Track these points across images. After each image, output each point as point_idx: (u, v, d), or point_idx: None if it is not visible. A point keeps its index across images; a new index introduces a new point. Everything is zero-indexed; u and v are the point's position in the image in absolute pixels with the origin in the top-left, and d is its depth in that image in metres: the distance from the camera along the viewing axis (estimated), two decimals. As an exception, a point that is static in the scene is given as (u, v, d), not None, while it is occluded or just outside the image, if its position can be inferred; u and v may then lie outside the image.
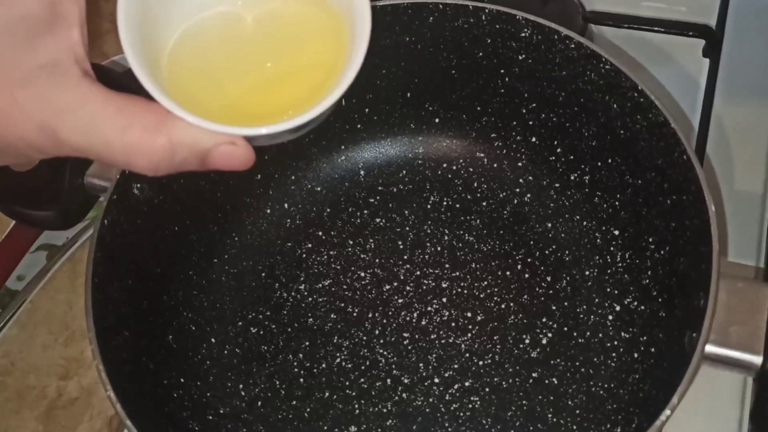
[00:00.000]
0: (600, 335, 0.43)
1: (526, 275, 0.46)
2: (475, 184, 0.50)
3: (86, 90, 0.24)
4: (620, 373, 0.42)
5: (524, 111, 0.47)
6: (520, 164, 0.49)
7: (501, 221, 0.48)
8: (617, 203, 0.45)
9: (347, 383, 0.44)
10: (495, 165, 0.50)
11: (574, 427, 0.41)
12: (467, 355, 0.44)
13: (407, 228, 0.49)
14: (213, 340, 0.45)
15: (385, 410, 0.43)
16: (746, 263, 0.46)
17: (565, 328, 0.44)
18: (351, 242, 0.48)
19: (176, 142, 0.25)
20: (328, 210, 0.50)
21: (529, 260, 0.47)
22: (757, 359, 0.33)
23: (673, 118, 0.39)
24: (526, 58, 0.45)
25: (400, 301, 0.46)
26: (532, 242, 0.47)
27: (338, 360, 0.44)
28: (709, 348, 0.33)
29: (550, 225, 0.48)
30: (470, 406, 0.42)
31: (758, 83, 0.55)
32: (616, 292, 0.44)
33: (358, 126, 0.50)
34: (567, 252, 0.47)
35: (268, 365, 0.45)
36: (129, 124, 0.25)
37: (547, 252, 0.47)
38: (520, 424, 0.41)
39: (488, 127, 0.49)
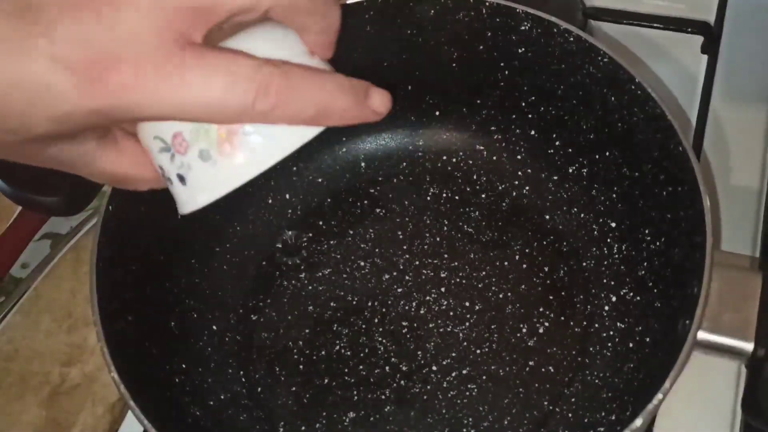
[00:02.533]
0: (596, 325, 0.44)
1: (524, 266, 0.47)
2: (475, 177, 0.50)
3: None
4: (616, 362, 0.42)
5: (523, 104, 0.48)
6: (519, 157, 0.50)
7: (500, 213, 0.49)
8: (614, 195, 0.46)
9: (346, 370, 0.44)
10: (494, 157, 0.51)
11: (570, 414, 0.42)
12: (465, 343, 0.44)
13: (407, 219, 0.49)
14: (214, 327, 0.46)
15: (383, 397, 0.43)
16: (740, 253, 0.46)
17: (562, 318, 0.44)
18: (351, 232, 0.49)
19: None
20: (329, 200, 0.51)
21: (527, 251, 0.47)
22: (749, 346, 0.33)
23: (669, 110, 0.40)
24: (525, 51, 0.45)
25: (399, 290, 0.47)
26: (530, 233, 0.48)
27: (337, 347, 0.45)
28: (702, 335, 0.33)
29: (548, 217, 0.48)
30: (467, 393, 0.43)
31: (756, 80, 0.55)
32: (612, 282, 0.45)
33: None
34: (565, 243, 0.47)
35: (268, 352, 0.45)
36: None
37: (544, 243, 0.47)
38: (516, 412, 0.42)
39: (488, 120, 0.50)
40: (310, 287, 0.47)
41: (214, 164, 0.25)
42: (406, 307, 0.46)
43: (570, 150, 0.48)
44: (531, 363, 0.43)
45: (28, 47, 0.21)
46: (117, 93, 0.22)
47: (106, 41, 0.22)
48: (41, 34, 0.21)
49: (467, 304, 0.46)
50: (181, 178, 0.27)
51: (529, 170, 0.50)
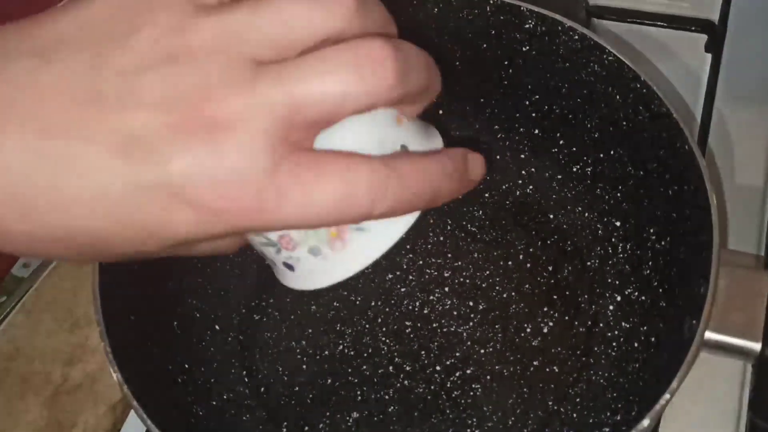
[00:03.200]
0: (601, 325, 0.44)
1: (528, 265, 0.46)
2: (478, 176, 0.50)
3: None
4: (621, 362, 0.42)
5: (527, 102, 0.48)
6: (522, 156, 0.50)
7: (503, 212, 0.49)
8: (619, 194, 0.45)
9: (350, 370, 0.44)
10: (498, 156, 0.50)
11: (574, 415, 0.42)
12: (469, 343, 0.44)
13: (410, 218, 0.49)
14: (217, 326, 0.46)
15: (387, 397, 0.43)
16: (746, 251, 0.46)
17: (567, 318, 0.44)
18: (354, 231, 0.49)
19: None
20: (332, 200, 0.50)
21: (531, 250, 0.47)
22: (756, 346, 0.33)
23: (675, 110, 0.39)
24: (529, 49, 0.45)
25: (402, 290, 0.46)
26: (534, 233, 0.48)
27: (341, 347, 0.45)
28: (709, 335, 0.33)
29: (552, 216, 0.48)
30: (471, 393, 0.43)
31: (760, 78, 0.55)
32: (617, 282, 0.45)
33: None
34: (569, 242, 0.47)
35: (271, 352, 0.45)
36: None
37: (549, 242, 0.47)
38: (520, 412, 0.42)
39: (491, 119, 0.50)
40: (313, 287, 0.47)
41: (325, 258, 0.25)
42: (410, 307, 0.46)
43: (574, 148, 0.47)
44: (535, 363, 0.43)
45: (143, 187, 0.20)
46: (238, 220, 0.21)
47: (224, 171, 0.20)
48: (154, 172, 0.20)
49: (471, 303, 0.45)
50: (289, 267, 0.26)
51: (533, 169, 0.50)
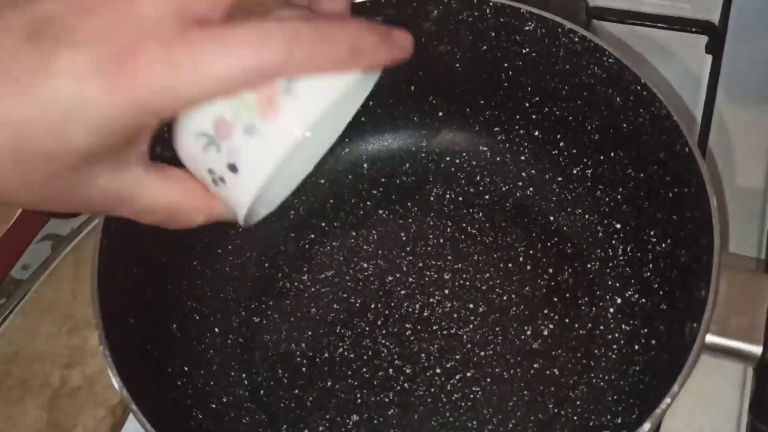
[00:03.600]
0: (601, 327, 0.44)
1: (528, 267, 0.46)
2: (478, 177, 0.50)
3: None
4: (621, 364, 0.42)
5: (527, 104, 0.48)
6: (522, 158, 0.50)
7: (503, 214, 0.49)
8: (619, 197, 0.45)
9: (349, 373, 0.44)
10: (498, 158, 0.50)
11: (575, 417, 0.41)
12: (469, 345, 0.44)
13: (410, 220, 0.49)
14: (216, 329, 0.46)
15: (386, 400, 0.43)
16: (747, 254, 0.46)
17: (567, 320, 0.44)
18: (354, 234, 0.49)
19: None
20: (332, 202, 0.50)
21: (531, 252, 0.47)
22: (757, 349, 0.33)
23: (675, 112, 0.39)
24: (530, 51, 0.45)
25: (402, 292, 0.46)
26: (534, 235, 0.48)
27: (340, 350, 0.45)
28: (710, 338, 0.33)
29: (552, 218, 0.48)
30: (471, 396, 0.42)
31: (760, 80, 0.55)
32: (617, 284, 0.45)
33: (362, 119, 0.50)
34: (569, 245, 0.47)
35: (270, 354, 0.45)
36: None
37: (549, 245, 0.47)
38: (521, 415, 0.42)
39: (491, 121, 0.50)
40: (312, 289, 0.47)
41: (262, 137, 0.25)
42: (410, 309, 0.46)
43: (574, 151, 0.47)
44: (536, 365, 0.43)
45: (55, 65, 0.21)
46: (150, 75, 0.21)
47: (128, 33, 0.21)
48: (62, 47, 0.21)
49: (471, 306, 0.45)
50: (233, 168, 0.26)
51: (533, 171, 0.49)
